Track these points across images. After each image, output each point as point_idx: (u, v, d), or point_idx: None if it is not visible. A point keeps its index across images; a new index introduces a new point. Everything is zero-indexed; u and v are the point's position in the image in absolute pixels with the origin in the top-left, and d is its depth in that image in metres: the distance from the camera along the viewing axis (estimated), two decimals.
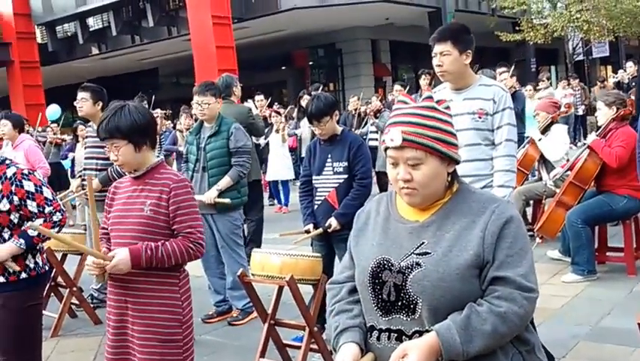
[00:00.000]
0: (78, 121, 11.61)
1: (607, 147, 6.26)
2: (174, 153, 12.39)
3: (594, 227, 6.48)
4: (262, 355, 4.56)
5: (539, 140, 7.61)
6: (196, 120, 6.57)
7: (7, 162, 3.63)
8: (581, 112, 19.51)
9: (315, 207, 5.11)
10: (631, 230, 6.46)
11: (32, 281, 3.63)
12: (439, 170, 2.18)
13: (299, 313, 4.52)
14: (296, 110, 14.50)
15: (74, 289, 6.07)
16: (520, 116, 8.49)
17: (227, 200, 5.69)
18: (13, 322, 3.53)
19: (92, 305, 6.32)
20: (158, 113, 12.52)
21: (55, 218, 3.58)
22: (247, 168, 5.89)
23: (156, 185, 3.29)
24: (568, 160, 7.40)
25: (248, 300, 5.32)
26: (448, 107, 2.26)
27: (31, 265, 3.63)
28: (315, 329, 4.48)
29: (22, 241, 3.51)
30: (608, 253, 6.80)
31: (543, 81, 16.57)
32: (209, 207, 5.70)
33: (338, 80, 30.26)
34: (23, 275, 3.58)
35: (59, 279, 6.23)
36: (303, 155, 8.18)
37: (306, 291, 4.64)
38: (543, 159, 7.79)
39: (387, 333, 2.17)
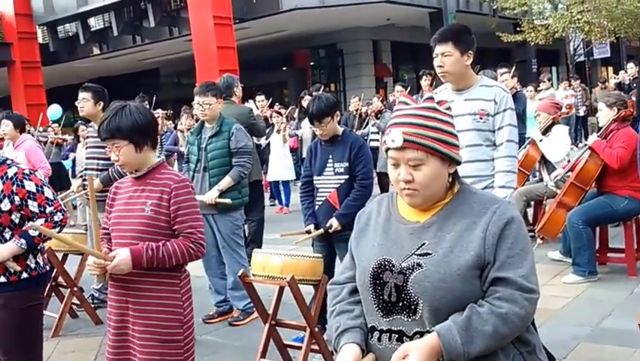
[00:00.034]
0: (79, 121, 11.62)
1: (608, 147, 6.25)
2: (175, 154, 12.40)
3: (595, 228, 6.48)
4: (263, 355, 4.56)
5: (540, 141, 7.61)
6: (197, 121, 6.58)
7: (9, 162, 3.63)
8: (582, 113, 19.50)
9: (316, 207, 5.11)
10: (632, 231, 6.46)
11: (33, 281, 3.64)
12: (440, 171, 2.18)
13: (300, 314, 4.52)
14: (297, 110, 14.51)
15: (75, 289, 6.07)
16: (521, 117, 8.49)
17: (227, 200, 5.69)
18: (14, 322, 3.54)
19: (92, 305, 6.32)
20: (159, 113, 12.51)
21: (56, 218, 3.58)
22: (248, 169, 5.89)
23: (157, 185, 3.30)
24: (569, 161, 7.40)
25: (249, 300, 5.32)
26: (449, 108, 2.27)
27: (32, 265, 3.63)
28: (316, 329, 4.48)
29: (23, 241, 3.51)
30: (609, 254, 6.80)
31: (544, 82, 16.58)
32: (211, 207, 5.70)
33: (339, 80, 30.24)
34: (24, 275, 3.58)
35: (60, 279, 6.23)
36: (304, 155, 8.18)
37: (307, 291, 4.64)
38: (544, 160, 7.79)
39: (388, 334, 2.17)
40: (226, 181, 5.73)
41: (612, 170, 6.24)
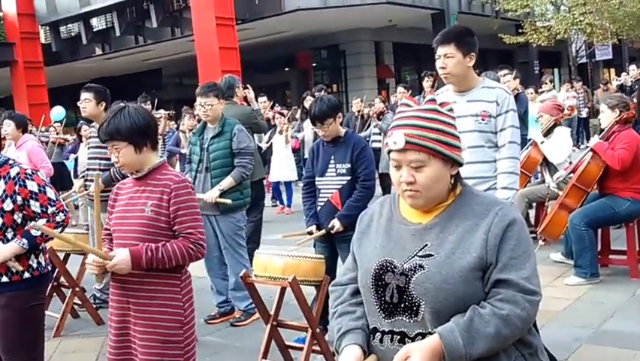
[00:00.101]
0: (81, 121, 11.63)
1: (610, 149, 6.25)
2: (177, 155, 12.42)
3: (597, 230, 6.49)
4: (264, 356, 4.56)
5: (542, 142, 7.61)
6: (199, 121, 6.58)
7: (11, 162, 3.64)
8: (584, 115, 19.50)
9: (318, 208, 5.10)
10: (634, 233, 6.46)
11: (35, 281, 3.64)
12: (442, 172, 2.18)
13: (301, 315, 4.53)
14: (299, 111, 14.51)
15: (77, 289, 6.08)
16: (523, 119, 8.48)
17: (228, 200, 5.69)
18: (16, 321, 3.54)
19: (94, 306, 6.33)
20: (161, 113, 12.52)
21: (58, 218, 3.59)
22: (250, 170, 5.90)
23: (157, 186, 3.30)
24: (571, 163, 7.40)
25: (250, 301, 5.32)
26: (451, 110, 2.27)
27: (34, 265, 3.63)
28: (318, 330, 4.48)
29: (25, 241, 3.52)
30: (610, 256, 6.79)
31: (546, 84, 16.57)
32: (213, 208, 5.71)
33: (341, 81, 30.25)
34: (26, 275, 3.59)
35: (62, 279, 6.24)
36: (306, 156, 8.18)
37: (309, 292, 4.64)
38: (546, 162, 7.78)
39: (389, 335, 2.17)
40: (227, 181, 5.73)
41: (614, 172, 6.24)
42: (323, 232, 4.97)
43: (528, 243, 2.16)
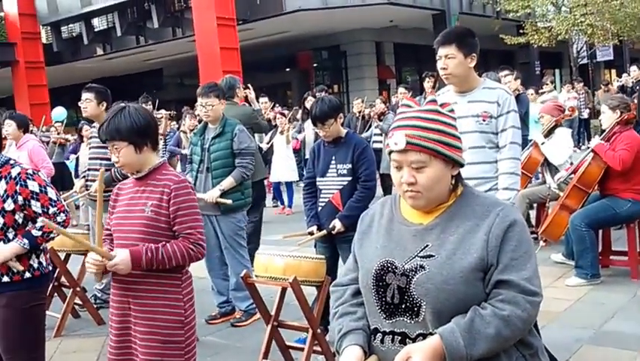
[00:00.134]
0: (82, 121, 11.63)
1: (611, 150, 6.25)
2: (178, 155, 12.41)
3: (598, 231, 6.48)
4: (265, 356, 4.56)
5: (542, 144, 7.60)
6: (200, 121, 6.58)
7: (12, 162, 3.64)
8: (585, 115, 19.49)
9: (319, 208, 5.10)
10: (635, 234, 6.46)
11: (36, 281, 3.64)
12: (443, 173, 2.18)
13: (302, 315, 4.52)
14: (300, 111, 14.51)
15: (78, 289, 6.08)
16: (524, 119, 8.48)
17: (228, 200, 5.69)
18: (17, 321, 3.54)
19: (95, 306, 6.33)
20: (162, 113, 12.53)
21: (59, 219, 3.59)
22: (250, 170, 5.90)
23: (157, 186, 3.31)
24: (572, 164, 7.40)
25: (251, 301, 5.33)
26: (452, 110, 2.27)
27: (35, 265, 3.64)
28: (319, 330, 4.48)
29: (26, 240, 3.52)
30: (611, 257, 6.79)
31: (547, 85, 16.56)
32: (214, 208, 5.71)
33: (342, 82, 30.26)
34: (27, 275, 3.59)
35: (63, 279, 6.24)
36: (307, 156, 8.18)
37: (310, 292, 4.64)
38: (547, 162, 7.78)
39: (390, 336, 2.17)
40: (228, 181, 5.74)
41: (615, 173, 6.24)
42: (324, 232, 4.97)
43: (529, 244, 2.16)
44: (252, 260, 5.59)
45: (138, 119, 3.30)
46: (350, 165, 4.94)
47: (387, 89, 28.81)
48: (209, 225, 5.75)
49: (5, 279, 3.54)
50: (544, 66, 31.53)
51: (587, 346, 4.85)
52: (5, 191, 3.50)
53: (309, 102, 12.31)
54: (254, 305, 5.15)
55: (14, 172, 3.54)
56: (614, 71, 34.55)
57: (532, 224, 8.04)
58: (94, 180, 6.20)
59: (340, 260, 5.02)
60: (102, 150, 5.92)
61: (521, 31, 26.20)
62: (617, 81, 19.73)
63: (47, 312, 4.43)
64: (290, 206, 12.26)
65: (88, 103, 6.22)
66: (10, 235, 3.54)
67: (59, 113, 15.56)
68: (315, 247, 5.24)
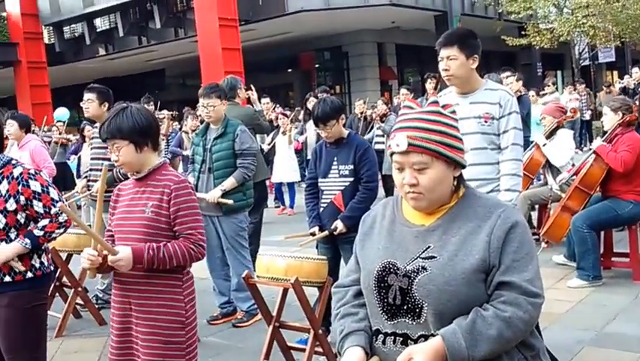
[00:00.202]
0: (84, 122, 11.64)
1: (612, 152, 6.25)
2: (180, 156, 12.41)
3: (600, 232, 6.48)
4: (266, 357, 4.56)
5: (544, 145, 7.60)
6: (202, 122, 6.58)
7: (14, 162, 3.64)
8: (587, 117, 19.50)
9: (321, 209, 5.10)
10: (637, 235, 6.45)
11: (38, 281, 3.65)
12: (445, 174, 2.18)
13: (304, 316, 4.52)
14: (302, 112, 14.52)
15: (79, 289, 6.08)
16: (525, 120, 8.48)
17: (230, 201, 5.69)
18: (18, 321, 3.55)
19: (96, 306, 6.34)
20: (164, 113, 12.53)
21: (61, 219, 3.59)
22: (252, 171, 5.90)
23: (158, 186, 3.31)
24: (573, 165, 7.39)
25: (252, 302, 5.33)
26: (453, 112, 2.27)
27: (37, 265, 3.64)
28: (320, 331, 4.48)
29: (27, 240, 3.53)
30: (613, 259, 6.78)
31: (549, 86, 16.56)
32: (215, 209, 5.71)
33: (344, 83, 30.27)
34: (29, 275, 3.59)
35: (64, 279, 6.25)
36: (309, 157, 8.19)
37: (311, 293, 4.64)
38: (549, 164, 7.77)
39: (392, 337, 2.17)
40: (229, 182, 5.74)
41: (617, 174, 6.24)
42: (326, 233, 4.96)
43: (531, 245, 2.16)
44: (252, 261, 5.59)
45: (140, 119, 3.30)
46: (352, 166, 4.94)
47: (389, 91, 28.80)
48: (210, 225, 5.75)
49: (7, 279, 3.55)
50: (546, 68, 31.50)
51: (589, 348, 4.85)
52: (7, 191, 3.50)
53: (311, 103, 12.31)
54: (255, 306, 5.15)
55: (16, 172, 3.54)
56: (615, 73, 34.59)
57: (533, 225, 8.03)
58: (95, 180, 6.22)
59: (342, 261, 5.02)
60: (104, 150, 5.93)
61: (523, 32, 26.23)
62: (619, 83, 19.71)
63: (49, 312, 4.44)
64: (292, 207, 12.26)
65: (90, 103, 6.23)
66: (12, 235, 3.54)
67: (62, 113, 15.59)
68: (317, 247, 5.23)
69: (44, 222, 3.57)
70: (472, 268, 2.09)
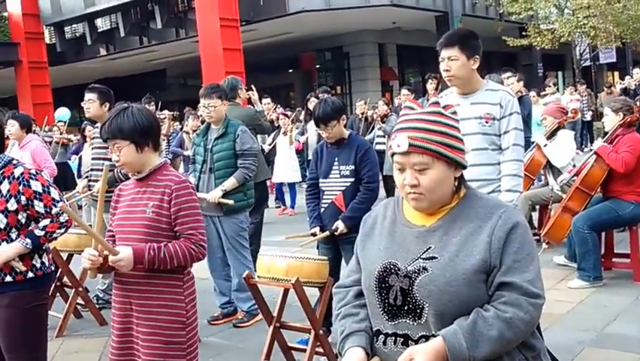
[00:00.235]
0: (85, 122, 11.65)
1: (613, 152, 6.25)
2: (181, 156, 12.42)
3: (600, 233, 6.47)
4: (267, 357, 4.56)
5: (545, 146, 7.60)
6: (202, 122, 6.58)
7: (14, 162, 3.64)
8: (587, 118, 19.50)
9: (322, 210, 5.10)
10: (637, 236, 6.45)
11: (39, 281, 3.65)
12: (446, 175, 2.18)
13: (304, 316, 4.52)
14: (303, 112, 14.53)
15: (80, 289, 6.09)
16: (526, 121, 8.48)
17: (230, 201, 5.70)
18: (19, 321, 3.55)
19: (97, 306, 6.34)
20: (165, 114, 12.53)
21: (62, 219, 3.59)
22: (253, 171, 5.90)
23: (158, 187, 3.31)
24: (574, 166, 7.39)
25: (253, 302, 5.33)
26: (454, 113, 2.27)
27: (38, 265, 3.64)
28: (321, 332, 4.48)
29: (28, 240, 3.53)
30: (614, 259, 6.78)
31: (550, 87, 16.56)
32: (216, 209, 5.72)
33: (345, 83, 30.27)
34: (30, 275, 3.59)
35: (65, 279, 6.25)
36: (310, 158, 8.19)
37: (312, 293, 4.64)
38: (549, 164, 7.77)
39: (393, 337, 2.17)
40: (230, 182, 5.74)
41: (618, 175, 6.23)
42: (327, 233, 4.97)
43: (531, 246, 2.16)
44: (253, 261, 5.59)
45: (141, 119, 3.30)
46: (353, 167, 4.94)
47: (389, 91, 28.80)
48: (211, 226, 5.75)
49: (8, 279, 3.55)
50: (547, 68, 31.51)
51: (590, 348, 4.84)
52: (8, 191, 3.50)
53: (312, 103, 12.31)
54: (256, 306, 5.15)
55: (17, 172, 3.55)
56: (616, 74, 34.58)
57: (534, 226, 8.03)
58: (96, 181, 6.22)
59: (343, 261, 5.02)
60: (105, 150, 5.92)
61: (524, 33, 26.23)
62: (620, 83, 19.74)
63: (49, 312, 4.45)
64: (292, 207, 12.26)
65: (91, 103, 6.23)
66: (13, 235, 3.54)
67: (63, 113, 15.60)
68: (318, 248, 5.24)
69: (45, 222, 3.57)
70: (473, 269, 2.09)
